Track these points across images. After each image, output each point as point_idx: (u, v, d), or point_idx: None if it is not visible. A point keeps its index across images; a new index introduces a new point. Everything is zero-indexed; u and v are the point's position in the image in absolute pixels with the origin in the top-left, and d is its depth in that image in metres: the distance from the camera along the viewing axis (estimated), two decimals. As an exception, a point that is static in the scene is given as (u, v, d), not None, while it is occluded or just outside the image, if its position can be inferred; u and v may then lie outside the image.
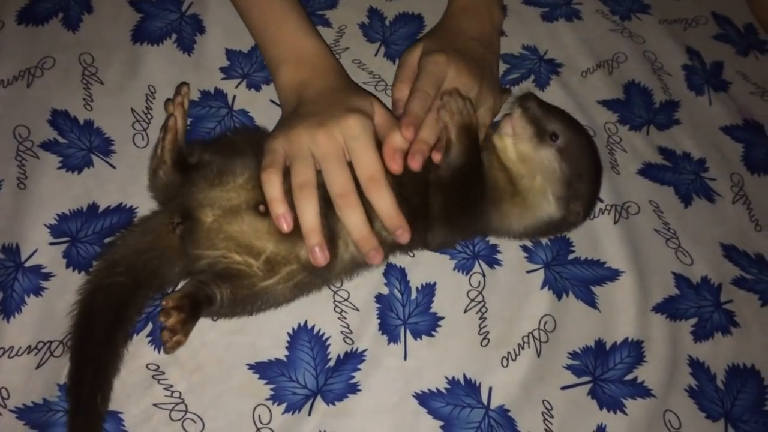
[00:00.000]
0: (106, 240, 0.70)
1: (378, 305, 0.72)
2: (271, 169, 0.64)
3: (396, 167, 0.66)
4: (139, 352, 0.66)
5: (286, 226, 0.64)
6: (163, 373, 0.66)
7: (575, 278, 0.77)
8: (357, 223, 0.64)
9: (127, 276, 0.64)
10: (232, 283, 0.65)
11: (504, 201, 0.72)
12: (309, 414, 0.66)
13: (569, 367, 0.72)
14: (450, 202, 0.69)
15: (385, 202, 0.65)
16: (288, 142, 0.65)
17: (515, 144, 0.72)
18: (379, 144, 0.67)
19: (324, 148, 0.64)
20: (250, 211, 0.66)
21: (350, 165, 0.65)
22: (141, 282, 0.65)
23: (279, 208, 0.64)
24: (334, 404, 0.67)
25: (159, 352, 0.66)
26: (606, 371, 0.73)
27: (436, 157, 0.68)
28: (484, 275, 0.75)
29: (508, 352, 0.72)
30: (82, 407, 0.61)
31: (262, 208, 0.66)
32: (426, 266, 0.75)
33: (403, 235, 0.66)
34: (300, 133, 0.65)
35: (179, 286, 0.68)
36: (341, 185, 0.64)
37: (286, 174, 0.65)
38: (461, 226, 0.71)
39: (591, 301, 0.76)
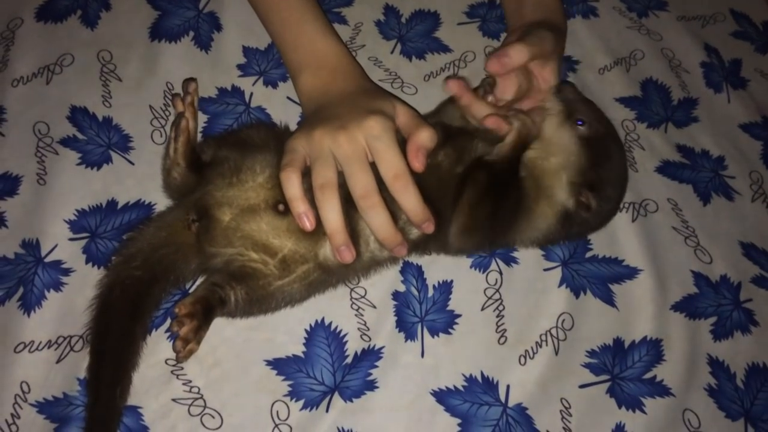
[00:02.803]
0: (124, 236, 0.70)
1: (395, 302, 0.72)
2: (290, 169, 0.64)
3: (419, 165, 0.65)
4: (158, 347, 0.66)
5: (309, 224, 0.64)
6: (182, 369, 0.66)
7: (593, 276, 0.76)
8: (382, 224, 0.64)
9: (143, 270, 0.65)
10: (247, 283, 0.65)
11: (529, 203, 0.71)
12: (327, 410, 0.66)
13: (587, 366, 0.72)
14: (479, 203, 0.68)
15: (411, 200, 0.64)
16: (309, 144, 0.65)
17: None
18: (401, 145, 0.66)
19: (345, 150, 0.64)
20: (269, 210, 0.66)
21: (372, 166, 0.65)
22: (157, 276, 0.65)
23: (300, 207, 0.64)
24: (351, 401, 0.67)
25: (177, 347, 0.67)
26: (624, 370, 0.72)
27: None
28: (501, 273, 0.75)
29: (526, 350, 0.71)
30: (100, 401, 0.61)
31: (281, 207, 0.66)
32: (443, 264, 0.75)
33: (429, 227, 0.66)
34: (321, 135, 0.65)
35: (195, 283, 0.69)
36: (363, 186, 0.63)
37: (306, 174, 0.65)
38: (487, 232, 0.70)
39: (609, 299, 0.75)
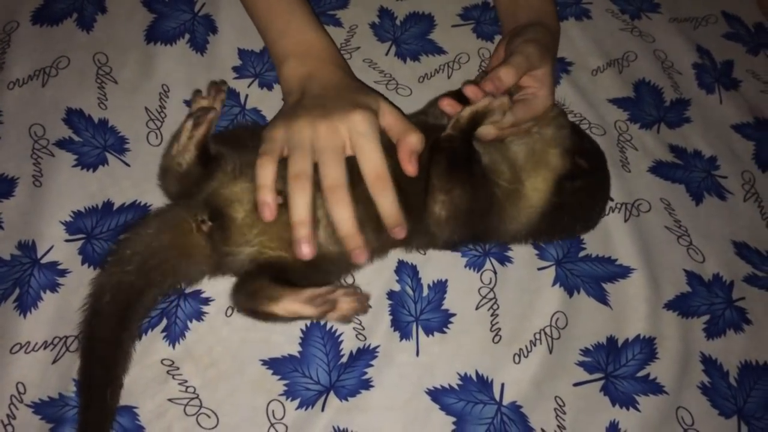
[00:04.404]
0: (119, 236, 0.69)
1: (390, 302, 0.72)
2: (266, 157, 0.64)
3: (412, 169, 0.65)
4: (154, 347, 0.67)
5: (268, 214, 0.63)
6: (178, 369, 0.66)
7: (586, 275, 0.77)
8: (345, 219, 0.63)
9: (137, 275, 0.64)
10: (275, 271, 0.65)
11: (509, 197, 0.72)
12: (322, 409, 0.66)
13: (581, 364, 0.72)
14: (448, 184, 0.68)
15: (389, 201, 0.64)
16: (288, 131, 0.65)
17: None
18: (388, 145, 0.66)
19: (324, 139, 0.63)
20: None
21: (349, 160, 0.65)
22: (151, 282, 0.65)
23: (265, 195, 0.63)
24: (347, 400, 0.67)
25: (173, 347, 0.67)
26: (618, 368, 0.73)
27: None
28: (495, 272, 0.76)
29: (520, 349, 0.72)
30: (92, 403, 0.61)
31: (279, 199, 0.65)
32: (437, 263, 0.75)
33: (401, 233, 0.66)
34: (302, 123, 0.64)
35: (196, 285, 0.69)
36: (333, 178, 0.63)
37: (283, 162, 0.65)
38: (466, 217, 0.69)
39: (602, 298, 0.76)
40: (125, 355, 0.64)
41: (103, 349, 0.63)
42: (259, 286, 0.64)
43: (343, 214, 0.63)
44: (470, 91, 0.70)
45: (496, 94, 0.69)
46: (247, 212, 0.66)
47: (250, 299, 0.64)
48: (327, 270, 0.68)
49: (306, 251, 0.63)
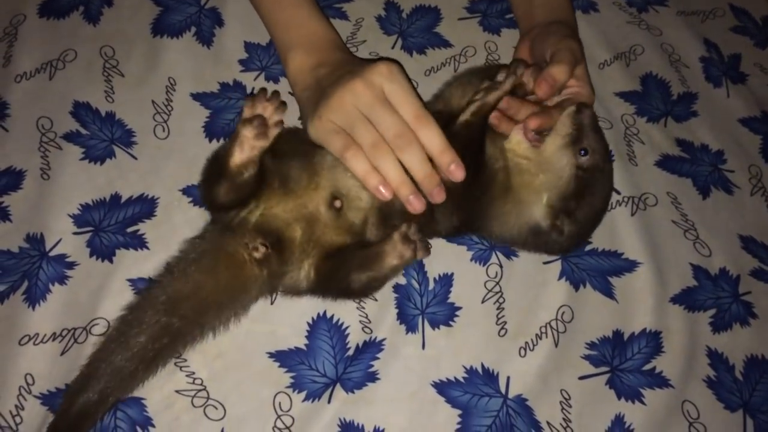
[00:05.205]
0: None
1: (396, 295, 0.72)
2: (348, 151, 0.64)
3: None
4: (162, 339, 0.67)
5: (387, 194, 0.64)
6: (185, 361, 0.66)
7: (592, 269, 0.77)
8: (420, 161, 0.64)
9: (186, 321, 0.62)
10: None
11: (497, 197, 0.71)
12: (328, 402, 0.67)
13: (587, 357, 0.72)
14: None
15: (437, 138, 0.64)
16: (334, 111, 0.65)
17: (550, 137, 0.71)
18: None
19: (366, 97, 0.64)
20: (327, 211, 0.67)
21: None
22: (203, 324, 0.64)
23: (374, 179, 0.64)
24: (353, 392, 0.67)
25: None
26: (624, 361, 0.73)
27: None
28: (501, 266, 0.76)
29: (526, 342, 0.72)
30: (69, 418, 0.60)
31: (338, 203, 0.66)
32: (443, 257, 0.75)
33: (457, 170, 0.65)
34: (340, 94, 0.64)
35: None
36: (395, 126, 0.64)
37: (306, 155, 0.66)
38: (464, 205, 0.69)
39: (608, 292, 0.76)
40: (132, 388, 0.63)
41: (114, 381, 0.61)
42: (356, 255, 0.66)
43: (418, 155, 0.64)
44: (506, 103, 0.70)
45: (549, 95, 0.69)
46: (303, 230, 0.66)
47: (364, 267, 0.66)
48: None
49: (418, 205, 0.64)
